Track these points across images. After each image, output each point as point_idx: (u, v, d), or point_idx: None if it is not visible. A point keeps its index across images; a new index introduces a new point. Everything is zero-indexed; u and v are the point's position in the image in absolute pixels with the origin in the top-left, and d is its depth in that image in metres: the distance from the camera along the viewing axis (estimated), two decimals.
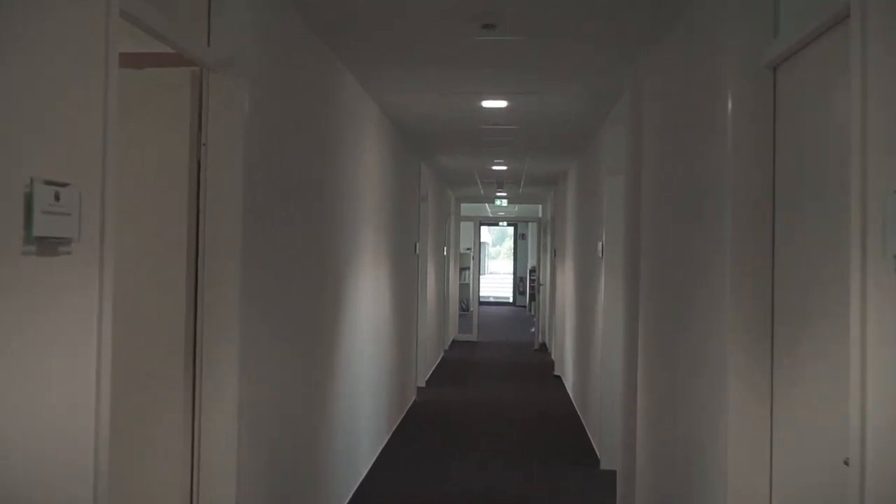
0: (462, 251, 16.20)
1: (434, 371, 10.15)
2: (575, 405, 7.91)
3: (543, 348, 12.48)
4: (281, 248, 3.30)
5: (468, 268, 17.32)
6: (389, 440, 6.32)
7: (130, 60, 3.14)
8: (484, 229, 23.55)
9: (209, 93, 2.81)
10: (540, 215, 15.17)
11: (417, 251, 8.22)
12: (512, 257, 24.06)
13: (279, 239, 3.27)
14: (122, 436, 2.85)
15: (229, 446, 2.75)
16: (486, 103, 5.50)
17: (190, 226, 2.78)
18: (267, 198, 3.10)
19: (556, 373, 9.94)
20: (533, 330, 13.55)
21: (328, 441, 4.21)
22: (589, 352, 6.67)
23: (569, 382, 8.73)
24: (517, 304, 22.16)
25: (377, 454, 5.80)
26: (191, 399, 2.77)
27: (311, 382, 3.87)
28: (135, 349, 2.78)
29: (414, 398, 8.14)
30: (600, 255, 5.71)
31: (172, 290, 2.77)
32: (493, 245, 33.48)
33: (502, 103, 5.50)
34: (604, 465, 5.46)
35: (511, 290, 23.39)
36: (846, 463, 1.54)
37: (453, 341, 13.40)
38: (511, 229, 23.63)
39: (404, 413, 7.40)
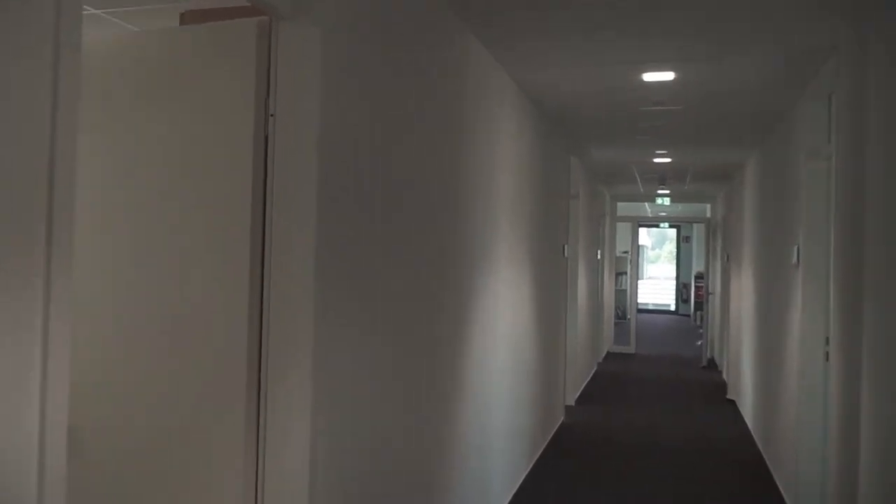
0: (618, 254, 15.06)
1: (585, 387, 9.20)
2: (756, 439, 6.71)
3: (712, 365, 11.15)
4: (376, 248, 2.57)
5: (625, 272, 16.18)
6: (530, 473, 5.49)
7: (197, 18, 2.56)
8: (642, 231, 22.17)
9: (278, 49, 2.14)
10: (708, 215, 13.78)
11: (566, 254, 7.34)
12: (674, 261, 22.47)
13: (374, 236, 2.55)
14: (170, 485, 2.29)
15: (300, 490, 2.09)
16: (649, 76, 4.56)
17: (255, 217, 2.13)
18: (356, 185, 2.39)
19: (729, 396, 8.69)
20: (699, 343, 12.22)
21: (449, 479, 3.46)
22: (777, 377, 5.52)
23: (746, 410, 7.51)
24: (680, 312, 20.58)
25: (514, 492, 4.99)
26: (254, 434, 2.14)
27: (422, 407, 3.13)
28: (183, 374, 2.18)
29: (562, 419, 7.26)
30: (795, 262, 4.60)
31: (231, 299, 2.14)
32: (653, 248, 31.71)
33: (668, 75, 4.53)
34: None
35: (673, 296, 21.81)
36: None
37: (608, 353, 12.34)
38: (673, 231, 22.07)
39: (549, 437, 6.55)
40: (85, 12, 3.61)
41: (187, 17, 2.52)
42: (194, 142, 2.20)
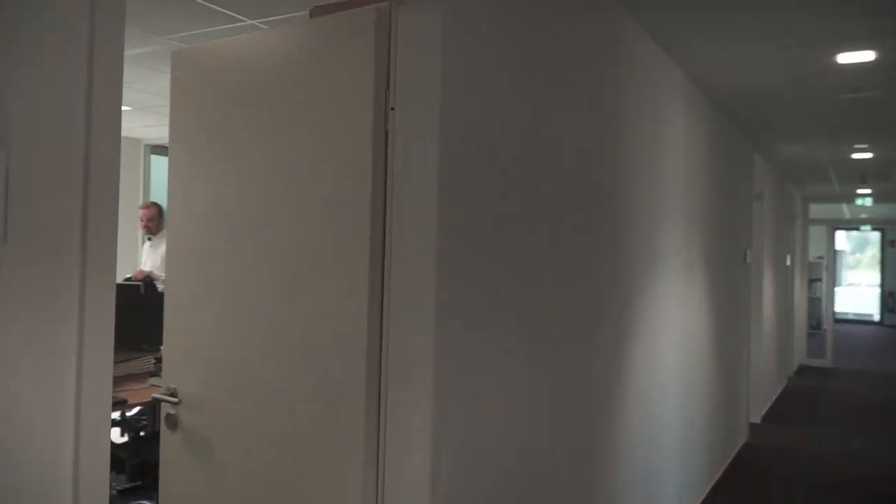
0: (812, 260, 13.77)
1: (773, 404, 8.40)
2: None
3: None
4: (511, 251, 2.34)
5: (819, 279, 14.81)
6: (707, 497, 5.01)
7: (325, 12, 2.47)
8: (840, 234, 20.25)
9: (398, 36, 1.98)
10: None
11: (748, 259, 6.71)
12: (878, 268, 20.31)
13: (509, 238, 2.32)
14: (293, 490, 2.20)
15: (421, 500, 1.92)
16: (844, 57, 3.99)
17: (375, 217, 1.99)
18: (486, 184, 2.18)
19: None
20: None
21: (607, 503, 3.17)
22: None
23: None
24: (885, 322, 18.57)
25: None
26: (374, 443, 2.02)
27: (571, 423, 2.86)
28: (305, 378, 2.10)
29: (745, 439, 6.64)
30: None
31: (351, 301, 2.01)
32: (852, 252, 28.92)
33: (867, 55, 3.95)
34: None
35: (877, 306, 19.71)
36: None
37: (800, 367, 11.26)
38: (876, 234, 19.97)
39: (730, 458, 5.99)
40: (241, 23, 3.66)
41: (316, 12, 2.43)
42: (318, 139, 2.10)
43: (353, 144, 2.01)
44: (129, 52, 4.40)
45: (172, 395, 2.43)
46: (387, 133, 1.98)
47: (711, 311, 5.21)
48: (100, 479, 1.10)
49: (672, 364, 4.18)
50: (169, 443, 2.46)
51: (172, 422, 2.44)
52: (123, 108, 6.03)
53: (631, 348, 3.44)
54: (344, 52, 2.05)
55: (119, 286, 4.84)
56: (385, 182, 1.99)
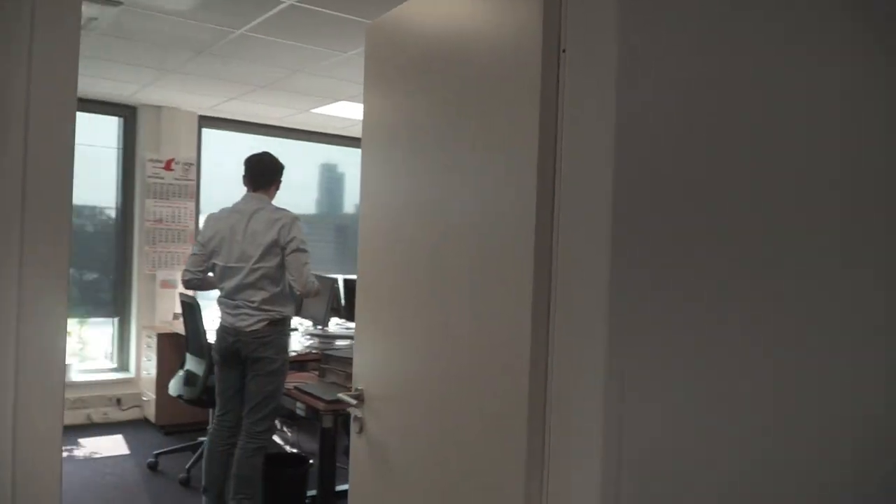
0: None
1: None
2: None
3: None
4: (720, 245, 1.70)
5: None
6: None
7: None
8: None
9: None
10: None
11: None
12: None
13: (718, 228, 1.68)
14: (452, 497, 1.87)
15: None
16: None
17: (542, 203, 1.59)
18: (685, 158, 1.61)
19: None
20: None
21: None
22: None
23: None
24: None
25: None
26: (539, 465, 1.62)
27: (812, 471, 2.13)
28: (469, 388, 1.81)
29: None
30: None
31: (513, 308, 1.65)
32: None
33: None
34: None
35: None
36: None
37: None
38: None
39: None
40: None
41: None
42: (479, 98, 1.76)
43: (520, 99, 1.63)
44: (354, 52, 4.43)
45: (358, 397, 2.26)
46: (558, 81, 1.57)
47: None
48: (48, 474, 0.89)
49: None
50: (356, 444, 2.30)
51: (359, 424, 2.27)
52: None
53: None
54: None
55: None
56: (554, 157, 1.58)
